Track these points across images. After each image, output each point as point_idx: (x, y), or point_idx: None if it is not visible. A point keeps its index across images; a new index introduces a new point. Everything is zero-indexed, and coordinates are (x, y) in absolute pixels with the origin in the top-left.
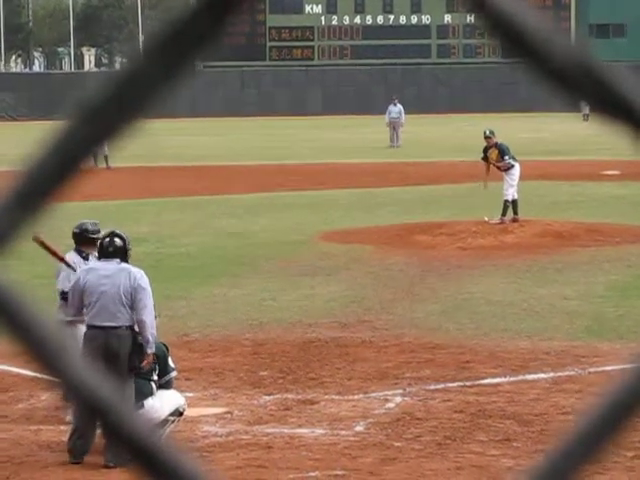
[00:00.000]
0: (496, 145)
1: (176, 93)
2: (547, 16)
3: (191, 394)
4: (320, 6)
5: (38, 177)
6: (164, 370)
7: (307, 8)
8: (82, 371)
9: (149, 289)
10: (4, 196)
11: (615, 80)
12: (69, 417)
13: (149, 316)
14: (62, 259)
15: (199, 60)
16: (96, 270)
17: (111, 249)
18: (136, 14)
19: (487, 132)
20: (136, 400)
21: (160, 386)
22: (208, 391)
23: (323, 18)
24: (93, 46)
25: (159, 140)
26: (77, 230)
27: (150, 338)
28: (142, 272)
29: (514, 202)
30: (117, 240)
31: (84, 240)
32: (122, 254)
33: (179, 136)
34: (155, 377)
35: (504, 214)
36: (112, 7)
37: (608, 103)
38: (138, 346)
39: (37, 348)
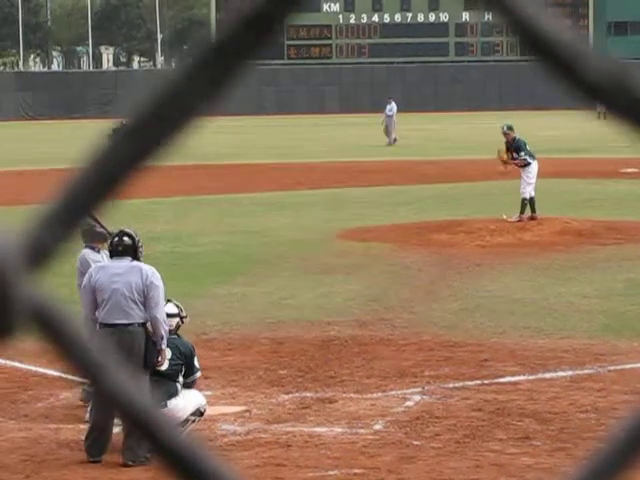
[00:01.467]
0: (514, 140)
1: (214, 108)
2: (579, 31)
3: (210, 393)
4: (338, 4)
5: (79, 194)
6: (190, 370)
7: (325, 6)
8: (121, 381)
9: (161, 286)
10: (46, 211)
11: None
12: (87, 416)
13: (162, 312)
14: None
15: (238, 78)
16: (107, 268)
17: (121, 248)
18: (154, 13)
19: (505, 127)
20: (162, 400)
21: (184, 385)
22: (227, 390)
23: (341, 16)
24: (111, 45)
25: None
26: (86, 227)
27: (163, 334)
28: (154, 269)
29: (531, 200)
30: (126, 239)
31: (94, 235)
32: (132, 252)
33: (195, 134)
34: (181, 378)
35: (522, 212)
36: (130, 6)
37: None
38: (152, 343)
39: (79, 362)
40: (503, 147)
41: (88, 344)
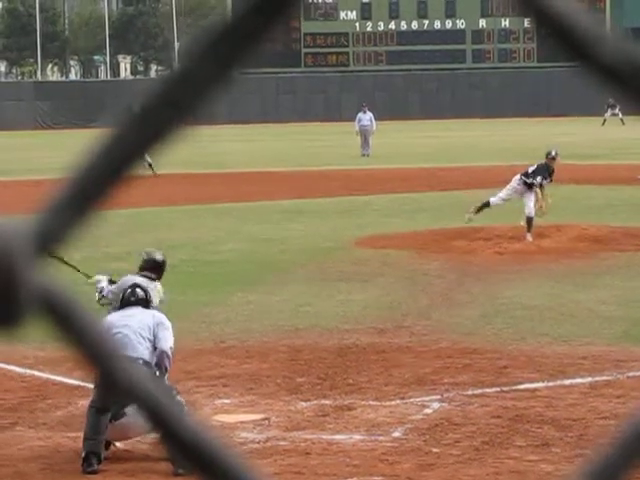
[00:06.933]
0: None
1: (220, 97)
2: (596, 15)
3: (228, 400)
4: (355, 12)
5: (87, 181)
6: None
7: (342, 14)
8: (134, 374)
9: (170, 327)
10: (54, 198)
11: None
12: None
13: (168, 348)
14: (75, 267)
15: (248, 63)
16: (117, 313)
17: (133, 299)
18: (171, 22)
19: (553, 152)
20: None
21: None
22: (245, 397)
23: (358, 24)
24: (129, 54)
25: (194, 147)
26: (146, 256)
27: (167, 367)
28: (163, 315)
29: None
30: (139, 291)
31: (152, 266)
32: (144, 303)
33: (214, 143)
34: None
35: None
36: (147, 15)
37: None
38: None
39: (89, 351)
40: (540, 192)
41: (99, 333)
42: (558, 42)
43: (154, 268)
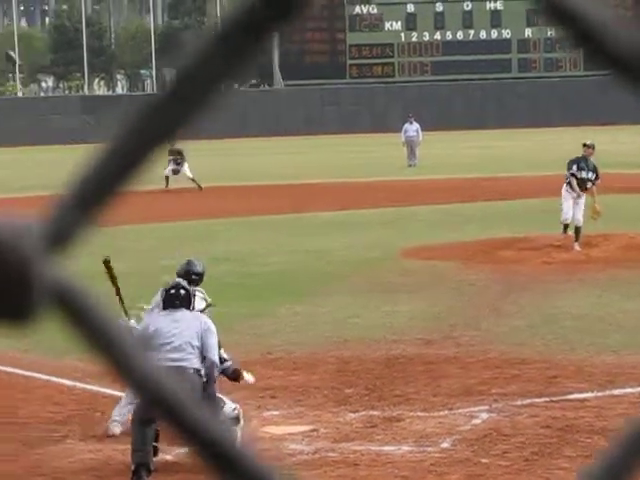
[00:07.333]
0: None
1: (209, 114)
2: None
3: (276, 412)
4: (400, 23)
5: (99, 177)
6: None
7: (387, 25)
8: (151, 369)
9: (215, 332)
10: (64, 196)
11: None
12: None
13: (216, 357)
14: (119, 294)
15: (235, 80)
16: (165, 317)
17: (177, 302)
18: None
19: (588, 142)
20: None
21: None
22: (293, 409)
23: (403, 35)
24: (175, 67)
25: (239, 159)
26: (186, 269)
27: (215, 377)
28: (207, 317)
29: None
30: (182, 292)
31: (194, 274)
32: (187, 303)
33: (260, 155)
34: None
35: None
36: (193, 28)
37: None
38: (204, 389)
39: (105, 349)
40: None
41: (115, 330)
42: (571, 32)
43: (194, 277)
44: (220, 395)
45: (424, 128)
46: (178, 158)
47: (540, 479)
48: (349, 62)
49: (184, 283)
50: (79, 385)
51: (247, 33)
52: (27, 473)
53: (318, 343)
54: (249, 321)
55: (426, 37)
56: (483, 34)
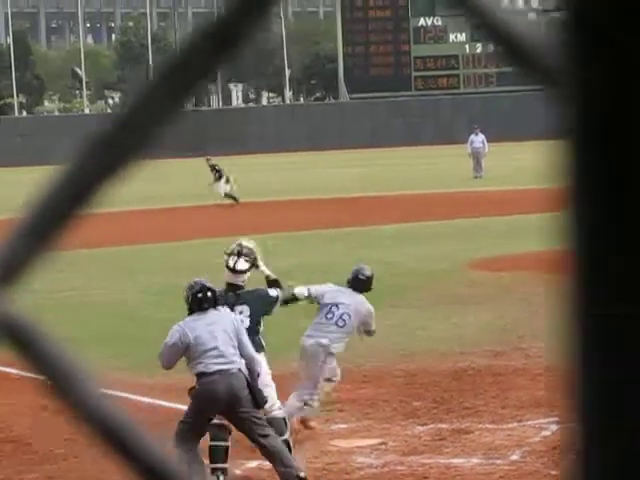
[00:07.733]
0: None
1: (171, 131)
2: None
3: (345, 425)
4: (464, 34)
5: (52, 204)
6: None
7: (451, 37)
8: (97, 398)
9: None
10: (18, 225)
11: None
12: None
13: (253, 351)
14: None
15: (196, 97)
16: (196, 321)
17: (206, 305)
18: (281, 49)
19: None
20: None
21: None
22: (362, 422)
23: (467, 46)
24: (240, 82)
25: (306, 173)
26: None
27: (259, 372)
28: (238, 318)
29: None
30: (210, 294)
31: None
32: (214, 303)
33: (327, 168)
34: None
35: None
36: (258, 43)
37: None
38: (252, 385)
39: (51, 376)
40: None
41: (62, 358)
42: (502, 46)
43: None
44: (269, 389)
45: (489, 139)
46: (215, 173)
47: None
48: (414, 74)
49: (206, 282)
50: (157, 402)
51: (210, 51)
52: None
53: (386, 356)
54: None
55: (491, 48)
56: None
